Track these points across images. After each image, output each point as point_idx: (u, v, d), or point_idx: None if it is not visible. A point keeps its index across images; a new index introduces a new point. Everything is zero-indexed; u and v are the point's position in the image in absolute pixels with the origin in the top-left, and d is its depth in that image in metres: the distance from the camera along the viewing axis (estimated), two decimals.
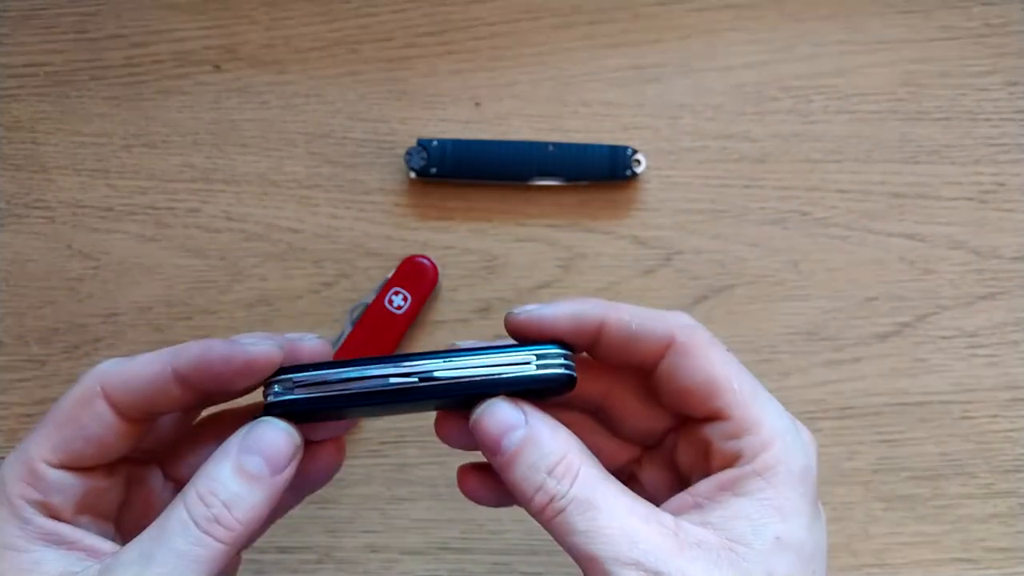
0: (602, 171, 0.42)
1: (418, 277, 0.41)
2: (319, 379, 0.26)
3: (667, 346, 0.28)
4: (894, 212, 0.43)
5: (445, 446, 0.37)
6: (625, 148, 0.42)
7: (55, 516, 0.26)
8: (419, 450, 0.41)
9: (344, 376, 0.26)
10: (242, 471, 0.26)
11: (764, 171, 0.43)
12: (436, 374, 0.26)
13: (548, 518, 0.26)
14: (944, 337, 0.42)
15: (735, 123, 0.44)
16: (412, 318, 0.41)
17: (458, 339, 0.42)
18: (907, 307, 0.42)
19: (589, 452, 0.27)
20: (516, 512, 0.40)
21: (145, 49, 0.44)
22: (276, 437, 0.26)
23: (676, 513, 0.27)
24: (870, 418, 0.41)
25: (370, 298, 0.42)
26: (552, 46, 0.44)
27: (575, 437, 0.27)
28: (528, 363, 0.27)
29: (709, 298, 0.42)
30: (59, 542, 0.26)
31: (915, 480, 0.41)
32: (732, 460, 0.27)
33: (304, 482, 0.30)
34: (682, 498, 0.27)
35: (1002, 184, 0.43)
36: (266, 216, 0.43)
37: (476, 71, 0.44)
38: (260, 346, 0.27)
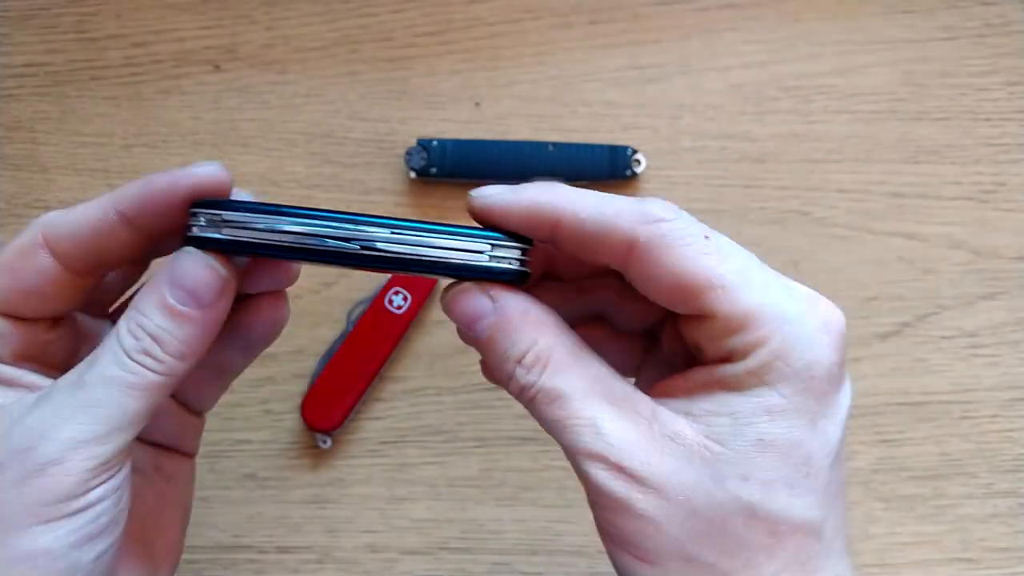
0: (602, 171, 0.42)
1: (418, 277, 0.41)
2: (250, 223, 0.24)
3: (629, 247, 0.25)
4: (894, 212, 0.43)
5: (445, 446, 0.37)
6: (625, 148, 0.42)
7: None
8: (419, 450, 0.41)
9: (279, 227, 0.24)
10: (167, 305, 0.24)
11: (764, 171, 0.43)
12: (379, 245, 0.24)
13: (525, 405, 0.25)
14: (944, 337, 0.42)
15: (735, 123, 0.44)
16: (412, 318, 0.41)
17: (457, 339, 0.42)
18: (907, 307, 0.42)
19: (564, 328, 0.26)
20: (516, 512, 0.40)
21: (145, 49, 0.44)
22: (199, 271, 0.25)
23: (664, 396, 0.25)
24: (870, 418, 0.41)
25: (370, 298, 0.42)
26: (552, 46, 0.44)
27: (550, 315, 0.26)
28: (481, 252, 0.25)
29: None
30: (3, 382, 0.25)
31: (915, 480, 0.41)
32: (724, 359, 0.25)
33: (248, 339, 0.29)
34: (675, 382, 0.26)
35: (1002, 184, 0.43)
36: None
37: (476, 71, 0.44)
38: (206, 167, 0.25)
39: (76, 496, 0.23)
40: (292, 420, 0.41)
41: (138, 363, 0.24)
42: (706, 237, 0.25)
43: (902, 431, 0.41)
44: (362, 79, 0.44)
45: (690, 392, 0.25)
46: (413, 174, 0.42)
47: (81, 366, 0.25)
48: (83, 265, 0.26)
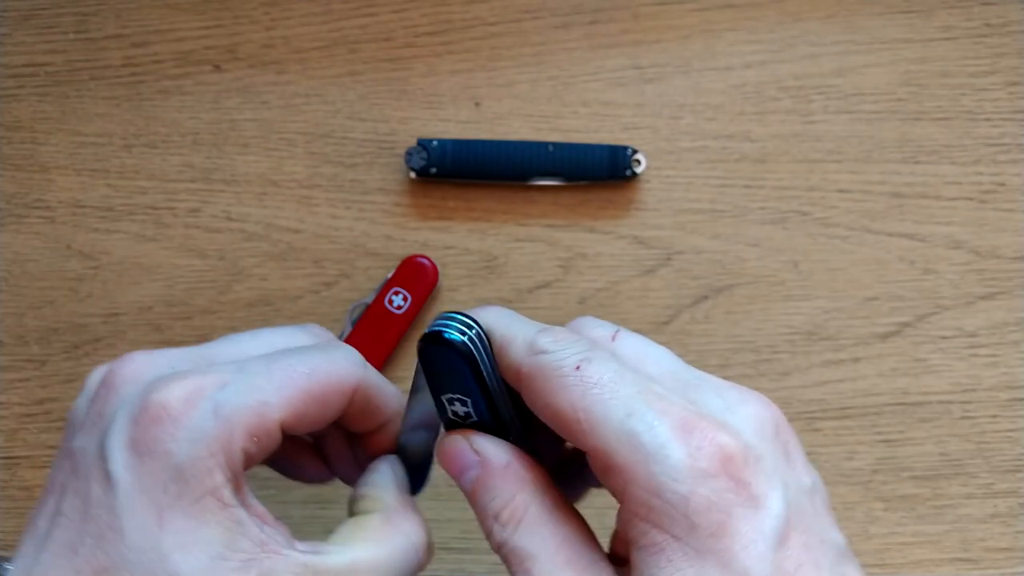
0: (602, 171, 0.42)
1: (418, 277, 0.41)
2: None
3: (518, 379, 0.26)
4: (894, 212, 0.43)
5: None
6: (625, 148, 0.42)
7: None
8: None
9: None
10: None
11: (764, 171, 0.43)
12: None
13: (503, 560, 0.26)
14: (944, 337, 0.42)
15: (735, 123, 0.44)
16: (412, 318, 0.41)
17: None
18: (907, 307, 0.42)
19: (545, 484, 0.26)
20: None
21: (145, 49, 0.44)
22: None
23: (620, 556, 0.25)
24: (870, 418, 0.41)
25: (370, 298, 0.42)
26: (552, 46, 0.44)
27: (532, 469, 0.26)
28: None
29: (709, 298, 0.42)
30: (248, 507, 0.25)
31: (915, 480, 0.41)
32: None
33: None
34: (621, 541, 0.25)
35: (1002, 184, 0.43)
36: (266, 216, 0.43)
37: (476, 71, 0.44)
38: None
39: None
40: None
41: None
42: (577, 368, 0.24)
43: (902, 431, 0.41)
44: (362, 79, 0.44)
45: (627, 551, 0.24)
46: (413, 174, 0.42)
47: (371, 531, 0.27)
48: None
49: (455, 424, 0.28)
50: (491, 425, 0.27)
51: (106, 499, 0.23)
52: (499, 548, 0.26)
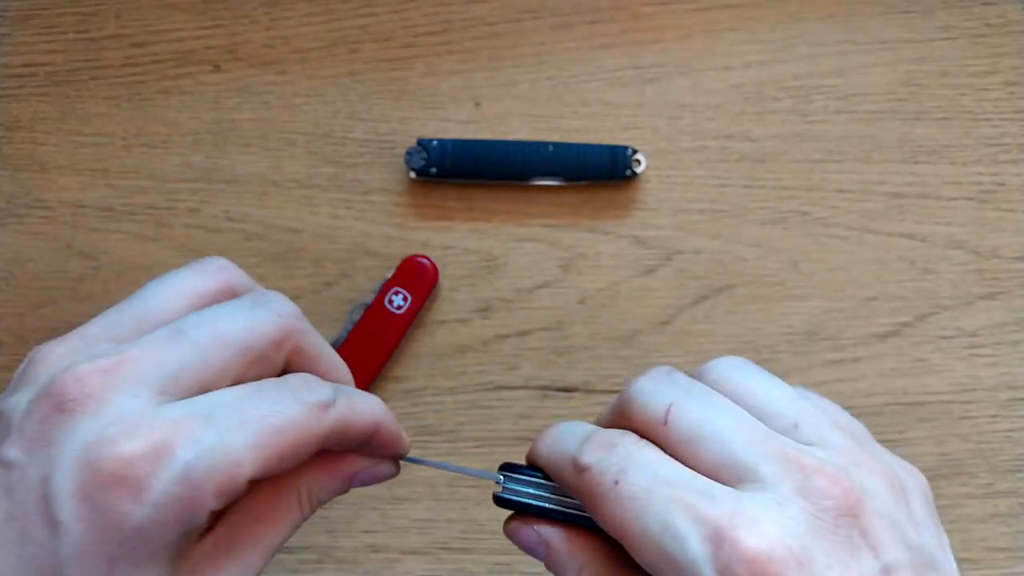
0: (602, 171, 0.42)
1: (418, 277, 0.41)
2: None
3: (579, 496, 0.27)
4: (894, 212, 0.43)
5: (445, 446, 0.37)
6: (625, 148, 0.42)
7: None
8: (419, 450, 0.41)
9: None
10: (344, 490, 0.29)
11: (764, 171, 0.43)
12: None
13: None
14: (944, 337, 0.42)
15: (735, 123, 0.44)
16: (412, 318, 0.41)
17: (457, 339, 0.42)
18: (907, 307, 0.42)
19: (610, 549, 0.26)
20: None
21: (145, 49, 0.44)
22: (379, 477, 0.30)
23: None
24: (870, 418, 0.41)
25: (370, 298, 0.42)
26: (552, 46, 0.44)
27: (591, 538, 0.27)
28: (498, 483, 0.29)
29: (709, 298, 0.42)
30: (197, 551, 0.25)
31: None
32: None
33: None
34: None
35: (1002, 184, 0.43)
36: (266, 216, 0.43)
37: (476, 71, 0.44)
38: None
39: None
40: None
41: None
42: (616, 483, 0.24)
43: (902, 431, 0.41)
44: (362, 79, 0.44)
45: None
46: (413, 174, 0.42)
47: (259, 510, 0.27)
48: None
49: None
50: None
51: (50, 543, 0.22)
52: None
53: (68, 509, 0.22)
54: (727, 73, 0.44)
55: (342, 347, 0.41)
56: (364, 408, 0.28)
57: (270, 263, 0.43)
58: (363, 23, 0.45)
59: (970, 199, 0.43)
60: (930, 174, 0.43)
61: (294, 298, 0.42)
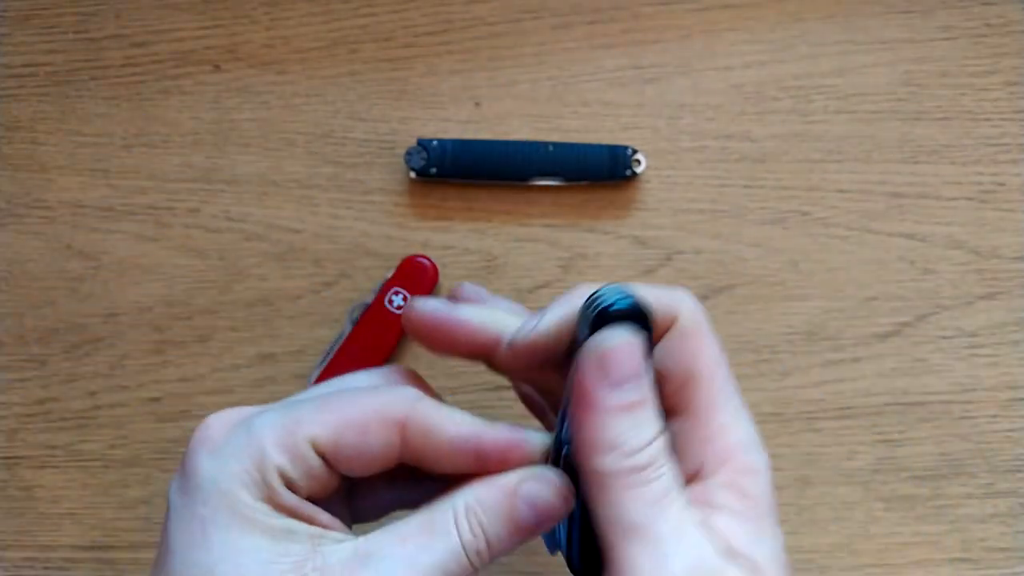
0: (602, 171, 0.42)
1: (418, 277, 0.41)
2: None
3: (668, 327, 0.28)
4: (894, 212, 0.43)
5: None
6: (625, 148, 0.42)
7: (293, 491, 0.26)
8: None
9: None
10: (514, 522, 0.27)
11: (764, 171, 0.43)
12: None
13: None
14: (944, 337, 0.42)
15: (735, 123, 0.44)
16: None
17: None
18: (907, 307, 0.42)
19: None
20: None
21: (145, 49, 0.44)
22: (548, 495, 0.27)
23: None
24: (870, 418, 0.41)
25: (370, 298, 0.42)
26: (552, 46, 0.44)
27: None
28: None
29: (709, 298, 0.42)
30: (298, 515, 0.26)
31: (915, 480, 0.41)
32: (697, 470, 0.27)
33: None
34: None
35: (1002, 184, 0.43)
36: (266, 216, 0.43)
37: (476, 71, 0.44)
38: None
39: None
40: None
41: (470, 562, 0.26)
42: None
43: (902, 431, 0.41)
44: (362, 79, 0.44)
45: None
46: (413, 174, 0.42)
47: (409, 529, 0.26)
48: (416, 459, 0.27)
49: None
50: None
51: (166, 524, 0.26)
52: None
53: (173, 486, 0.26)
54: (727, 73, 0.44)
55: (342, 347, 0.41)
56: (453, 419, 0.27)
57: (270, 263, 0.43)
58: (363, 23, 0.45)
59: (970, 199, 0.43)
60: (930, 174, 0.43)
61: (294, 298, 0.43)
